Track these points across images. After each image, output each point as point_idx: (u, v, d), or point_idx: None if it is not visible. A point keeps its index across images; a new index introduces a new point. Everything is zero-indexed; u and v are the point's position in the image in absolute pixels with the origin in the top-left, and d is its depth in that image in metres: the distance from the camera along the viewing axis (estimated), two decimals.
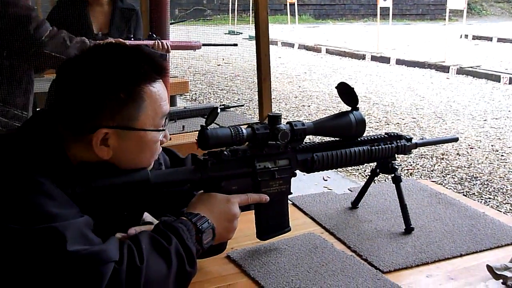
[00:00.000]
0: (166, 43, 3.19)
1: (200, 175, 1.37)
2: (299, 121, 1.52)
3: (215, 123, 1.40)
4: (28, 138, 1.21)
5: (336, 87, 1.66)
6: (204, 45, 3.30)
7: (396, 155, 1.74)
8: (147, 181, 1.28)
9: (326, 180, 4.73)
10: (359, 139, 1.66)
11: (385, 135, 1.73)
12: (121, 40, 3.06)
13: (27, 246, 1.04)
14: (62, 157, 1.21)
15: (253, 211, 1.54)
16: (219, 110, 1.36)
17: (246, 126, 1.46)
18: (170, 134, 1.38)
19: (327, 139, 1.65)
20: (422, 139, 1.86)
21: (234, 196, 1.39)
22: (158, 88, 1.27)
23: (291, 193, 1.57)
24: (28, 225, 1.05)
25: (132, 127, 1.23)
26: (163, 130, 1.31)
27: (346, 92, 1.63)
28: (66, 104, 1.22)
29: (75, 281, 1.02)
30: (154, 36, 3.25)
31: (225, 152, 1.40)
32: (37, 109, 1.33)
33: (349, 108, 1.63)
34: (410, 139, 1.75)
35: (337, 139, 1.65)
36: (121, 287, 1.05)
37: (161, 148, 1.35)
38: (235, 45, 3.60)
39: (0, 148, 1.19)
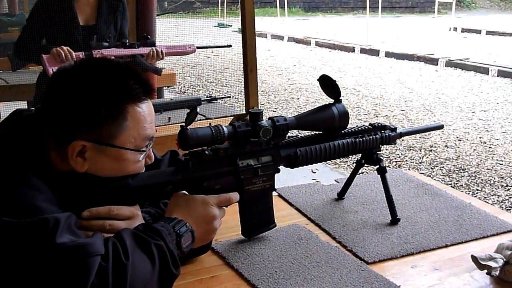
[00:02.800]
0: (162, 50, 3.14)
1: (182, 176, 1.35)
2: (281, 116, 1.51)
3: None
4: (14, 139, 1.20)
5: (318, 80, 1.65)
6: (198, 48, 3.29)
7: (381, 146, 1.73)
8: (127, 185, 1.26)
9: (314, 172, 4.72)
10: (343, 131, 1.65)
11: (369, 126, 1.71)
12: (115, 51, 3.04)
13: (16, 238, 1.04)
14: (46, 162, 1.21)
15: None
16: (198, 109, 1.35)
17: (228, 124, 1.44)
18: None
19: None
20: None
21: (212, 197, 1.37)
22: (143, 109, 1.26)
23: (275, 190, 1.55)
24: (19, 218, 1.05)
25: (110, 144, 1.22)
26: (144, 151, 1.28)
27: (328, 84, 1.62)
28: (50, 112, 1.23)
29: (62, 273, 1.01)
30: (149, 38, 3.20)
31: (206, 152, 1.38)
32: (17, 109, 1.32)
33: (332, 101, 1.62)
34: (394, 129, 1.74)
35: (321, 132, 1.63)
36: (108, 284, 1.04)
37: (144, 168, 1.32)
38: (229, 46, 3.60)
39: None
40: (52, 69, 2.89)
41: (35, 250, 1.03)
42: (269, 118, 1.48)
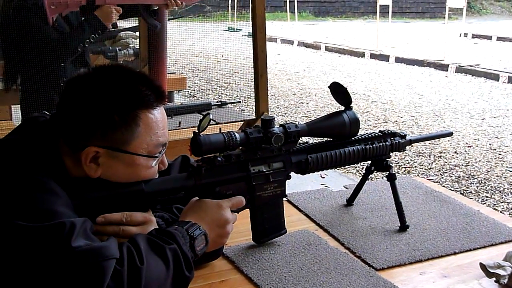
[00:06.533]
0: None
1: (194, 182, 1.37)
2: (293, 123, 1.52)
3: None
4: (30, 145, 1.22)
5: (329, 87, 1.66)
6: None
7: (390, 153, 1.74)
8: (141, 191, 1.28)
9: (323, 177, 4.73)
10: (353, 138, 1.66)
11: (379, 133, 1.72)
12: None
13: (33, 242, 1.05)
14: (60, 168, 1.22)
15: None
16: (211, 116, 1.36)
17: (239, 130, 1.45)
18: None
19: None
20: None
21: (225, 201, 1.38)
22: (156, 115, 1.27)
23: (286, 196, 1.57)
24: (37, 222, 1.06)
25: (122, 150, 1.24)
26: (157, 157, 1.30)
27: (339, 91, 1.63)
28: (64, 119, 1.24)
29: (78, 276, 1.03)
30: None
31: (218, 158, 1.39)
32: (32, 114, 1.33)
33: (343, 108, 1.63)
34: (404, 136, 1.75)
35: (331, 139, 1.65)
36: (123, 287, 1.05)
37: (157, 173, 1.34)
38: None
39: (1, 152, 1.21)
40: (52, 18, 2.86)
41: (51, 254, 1.04)
42: (281, 125, 1.50)
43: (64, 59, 3.01)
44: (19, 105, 3.14)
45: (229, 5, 15.15)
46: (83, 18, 3.09)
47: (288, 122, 1.53)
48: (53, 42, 2.91)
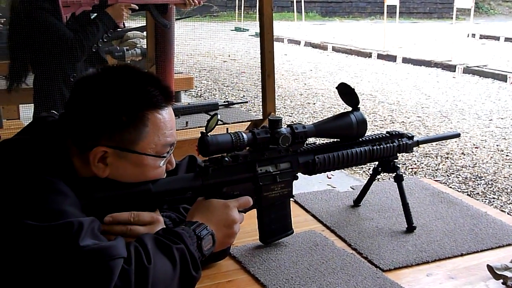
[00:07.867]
0: None
1: (202, 182, 1.37)
2: (300, 123, 1.53)
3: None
4: (39, 145, 1.23)
5: (336, 88, 1.66)
6: None
7: (398, 154, 1.73)
8: (148, 190, 1.29)
9: (330, 178, 4.72)
10: (360, 139, 1.66)
11: (387, 134, 1.72)
12: None
13: (41, 241, 1.06)
14: (69, 168, 1.23)
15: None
16: (219, 116, 1.37)
17: (246, 130, 1.46)
18: None
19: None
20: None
21: (233, 201, 1.39)
22: (164, 115, 1.28)
23: (293, 196, 1.57)
24: (45, 221, 1.07)
25: (130, 150, 1.24)
26: (165, 157, 1.31)
27: (346, 92, 1.63)
28: (72, 119, 1.25)
29: (85, 275, 1.03)
30: None
31: (226, 158, 1.40)
32: (41, 114, 1.34)
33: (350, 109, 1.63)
34: (411, 137, 1.75)
35: (339, 140, 1.65)
36: (131, 286, 1.06)
37: (165, 173, 1.35)
38: None
39: (10, 152, 1.21)
40: (66, 16, 2.90)
41: (59, 253, 1.04)
42: (288, 126, 1.50)
43: (79, 58, 3.04)
44: (32, 104, 3.16)
45: (236, 5, 15.17)
46: (92, 16, 3.11)
47: (295, 122, 1.53)
48: (69, 41, 2.94)
